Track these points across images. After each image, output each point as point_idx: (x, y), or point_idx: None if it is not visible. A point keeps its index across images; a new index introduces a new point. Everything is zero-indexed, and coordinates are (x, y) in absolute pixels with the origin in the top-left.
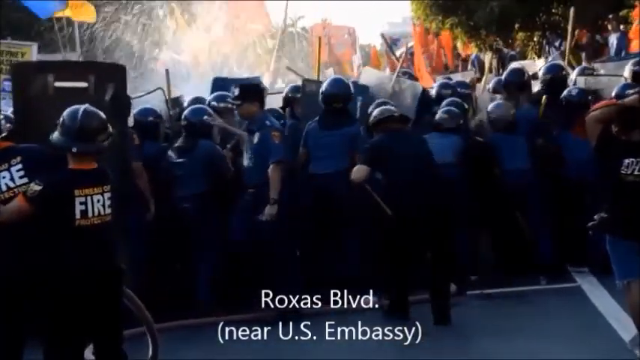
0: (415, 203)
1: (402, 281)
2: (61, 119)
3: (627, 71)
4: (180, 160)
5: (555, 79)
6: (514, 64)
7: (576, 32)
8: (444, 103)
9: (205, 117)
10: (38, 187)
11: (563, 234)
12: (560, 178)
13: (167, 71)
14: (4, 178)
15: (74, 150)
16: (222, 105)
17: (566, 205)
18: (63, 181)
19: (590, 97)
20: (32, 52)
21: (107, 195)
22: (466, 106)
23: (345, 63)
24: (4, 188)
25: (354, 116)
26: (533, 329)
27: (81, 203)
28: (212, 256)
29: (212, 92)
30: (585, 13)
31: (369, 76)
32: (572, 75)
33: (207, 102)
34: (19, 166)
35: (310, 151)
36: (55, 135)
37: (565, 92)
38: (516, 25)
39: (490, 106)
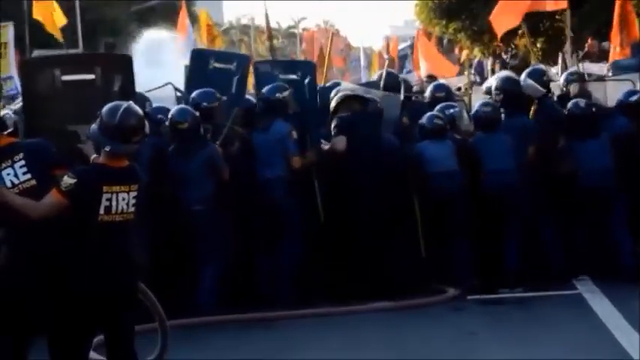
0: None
1: None
2: (100, 114)
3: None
4: (180, 161)
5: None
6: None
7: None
8: (437, 108)
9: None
10: (73, 180)
11: (570, 241)
12: (571, 185)
13: (186, 67)
14: (8, 175)
15: (107, 149)
16: (209, 105)
17: (578, 212)
18: (94, 176)
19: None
20: (8, 33)
21: (133, 194)
22: (455, 109)
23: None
24: (8, 185)
25: None
26: (533, 336)
27: (107, 199)
28: (220, 256)
29: (191, 65)
30: (591, 20)
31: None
32: (561, 79)
33: (191, 100)
34: (22, 162)
35: None
36: (93, 128)
37: (571, 104)
38: (519, 31)
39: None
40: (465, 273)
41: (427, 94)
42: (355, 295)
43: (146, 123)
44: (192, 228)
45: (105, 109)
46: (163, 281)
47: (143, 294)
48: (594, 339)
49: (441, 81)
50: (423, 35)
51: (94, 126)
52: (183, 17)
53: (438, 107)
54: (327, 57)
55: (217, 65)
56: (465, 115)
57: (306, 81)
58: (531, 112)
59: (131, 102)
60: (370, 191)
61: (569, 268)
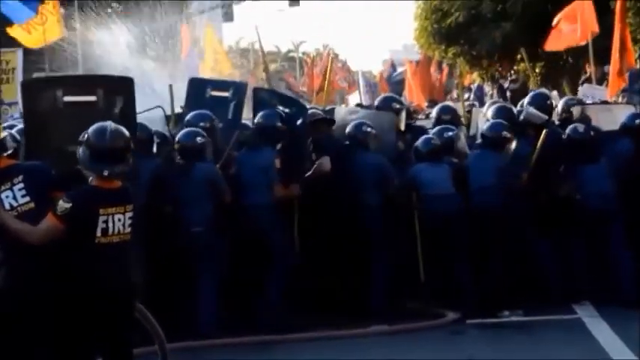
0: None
1: None
2: (86, 137)
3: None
4: (180, 182)
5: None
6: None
7: (589, 67)
8: (433, 131)
9: (198, 139)
10: (68, 205)
11: (570, 264)
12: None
13: (170, 86)
14: (7, 197)
15: (105, 174)
16: (208, 124)
17: (578, 235)
18: (89, 199)
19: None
20: (18, 59)
21: (129, 214)
22: (453, 132)
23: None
24: (7, 207)
25: None
26: None
27: (103, 221)
28: (219, 278)
29: (188, 93)
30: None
31: (338, 112)
32: (560, 105)
33: (186, 123)
34: (21, 185)
35: None
36: (82, 154)
37: (570, 129)
38: (518, 56)
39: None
40: (464, 296)
41: (433, 115)
42: (353, 319)
43: (131, 142)
44: (191, 249)
45: (91, 132)
46: (163, 303)
47: (142, 316)
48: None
49: (448, 103)
50: (410, 63)
51: (81, 152)
52: (186, 39)
53: (435, 130)
54: (327, 80)
55: (214, 93)
56: (463, 138)
57: (298, 122)
58: (540, 139)
59: (111, 123)
60: (345, 208)
61: (569, 292)
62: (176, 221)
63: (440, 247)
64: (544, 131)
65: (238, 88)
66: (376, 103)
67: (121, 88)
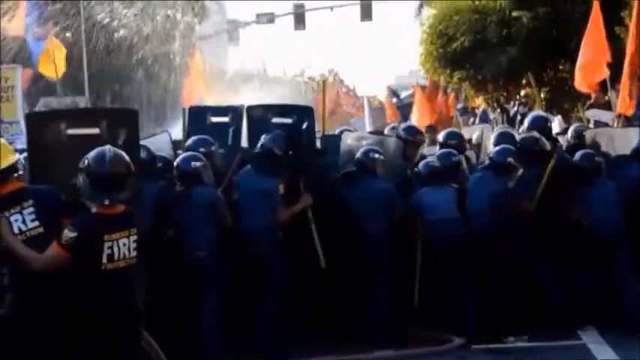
0: None
1: None
2: (86, 164)
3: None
4: (181, 207)
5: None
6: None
7: (592, 94)
8: (435, 155)
9: (195, 163)
10: (73, 234)
11: (575, 290)
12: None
13: (184, 110)
14: (16, 221)
15: (106, 203)
16: (205, 150)
17: (583, 260)
18: (94, 227)
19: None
20: (16, 76)
21: (133, 238)
22: (456, 157)
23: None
24: (16, 231)
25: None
26: None
27: (108, 247)
28: (220, 303)
29: (188, 122)
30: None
31: (344, 138)
32: (569, 131)
33: (186, 148)
34: (31, 209)
35: None
36: (82, 182)
37: (579, 154)
38: (524, 81)
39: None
40: (467, 320)
41: (440, 140)
42: (359, 345)
43: (132, 167)
44: (194, 274)
45: (90, 157)
46: (166, 325)
47: (146, 342)
48: None
49: (454, 129)
50: (418, 87)
51: (81, 180)
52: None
53: (437, 154)
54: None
55: (214, 120)
56: (464, 163)
57: (304, 126)
58: (550, 164)
59: (110, 147)
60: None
61: (573, 317)
62: (178, 245)
63: (443, 271)
64: (553, 157)
65: (236, 112)
66: (401, 132)
67: (124, 120)
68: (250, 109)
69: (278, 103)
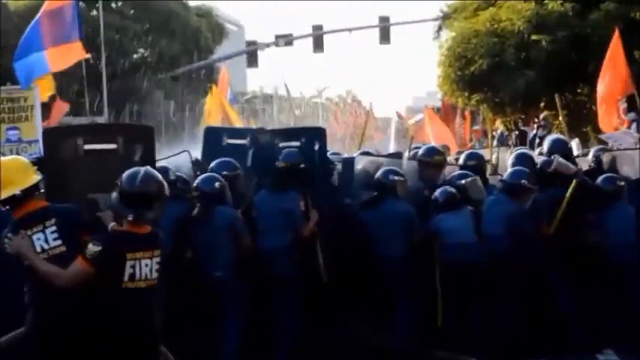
0: None
1: None
2: (120, 180)
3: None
4: (201, 227)
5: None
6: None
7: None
8: (449, 177)
9: (216, 184)
10: (97, 248)
11: (594, 313)
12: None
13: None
14: (38, 239)
15: (130, 218)
16: (230, 174)
17: (602, 284)
18: (118, 243)
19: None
20: (34, 97)
21: (156, 260)
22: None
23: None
24: (38, 249)
25: None
26: None
27: (131, 266)
28: (240, 322)
29: (205, 142)
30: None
31: (360, 160)
32: (590, 155)
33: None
34: (54, 228)
35: None
36: (114, 196)
37: (600, 179)
38: (542, 104)
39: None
40: (484, 343)
41: (460, 162)
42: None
43: (166, 188)
44: (213, 294)
45: (124, 175)
46: (184, 346)
47: (163, 356)
48: None
49: (475, 150)
50: (429, 110)
51: (114, 194)
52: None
53: (451, 175)
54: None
55: (231, 141)
56: (479, 183)
57: (316, 147)
58: (571, 188)
59: (149, 167)
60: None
61: (592, 340)
62: (197, 266)
63: (462, 295)
64: (575, 181)
65: (255, 135)
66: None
67: (141, 136)
68: (257, 133)
69: (296, 123)
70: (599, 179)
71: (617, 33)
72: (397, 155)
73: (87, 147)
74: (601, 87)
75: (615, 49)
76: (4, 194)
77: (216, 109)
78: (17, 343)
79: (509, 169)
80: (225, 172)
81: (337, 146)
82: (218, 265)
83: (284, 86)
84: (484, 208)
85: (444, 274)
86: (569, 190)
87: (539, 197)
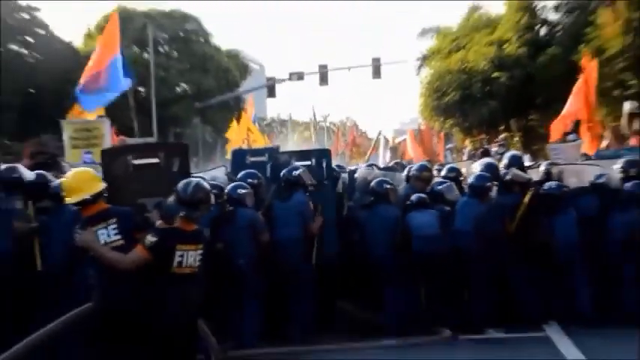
0: None
1: None
2: (177, 188)
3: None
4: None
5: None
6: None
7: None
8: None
9: (239, 190)
10: (154, 239)
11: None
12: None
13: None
14: (102, 234)
15: (182, 214)
16: (255, 181)
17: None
18: (170, 237)
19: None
20: (105, 127)
21: (199, 252)
22: (445, 184)
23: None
24: (102, 242)
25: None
26: None
27: (179, 256)
28: (259, 299)
29: (232, 160)
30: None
31: (361, 171)
32: (542, 167)
33: (238, 177)
34: (115, 226)
35: None
36: (170, 200)
37: (547, 186)
38: (501, 128)
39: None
40: (456, 317)
41: (442, 173)
42: (371, 333)
43: (212, 196)
44: (237, 277)
45: (180, 184)
46: (216, 319)
47: (202, 331)
48: None
49: (454, 164)
50: (411, 132)
51: (170, 199)
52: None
53: (432, 183)
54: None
55: (253, 159)
56: (455, 188)
57: (324, 164)
58: (528, 196)
59: (200, 180)
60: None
61: (540, 315)
62: (226, 255)
63: (433, 279)
64: (532, 190)
65: (272, 152)
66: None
67: (178, 151)
68: (276, 154)
69: (306, 142)
70: (546, 186)
71: (588, 68)
72: (390, 169)
73: (135, 162)
74: (568, 106)
75: (585, 79)
76: (77, 198)
77: (242, 130)
78: (85, 315)
79: (474, 175)
80: (250, 181)
81: (339, 160)
82: (241, 255)
83: (290, 116)
84: (457, 208)
85: (415, 261)
86: (527, 197)
87: (502, 201)
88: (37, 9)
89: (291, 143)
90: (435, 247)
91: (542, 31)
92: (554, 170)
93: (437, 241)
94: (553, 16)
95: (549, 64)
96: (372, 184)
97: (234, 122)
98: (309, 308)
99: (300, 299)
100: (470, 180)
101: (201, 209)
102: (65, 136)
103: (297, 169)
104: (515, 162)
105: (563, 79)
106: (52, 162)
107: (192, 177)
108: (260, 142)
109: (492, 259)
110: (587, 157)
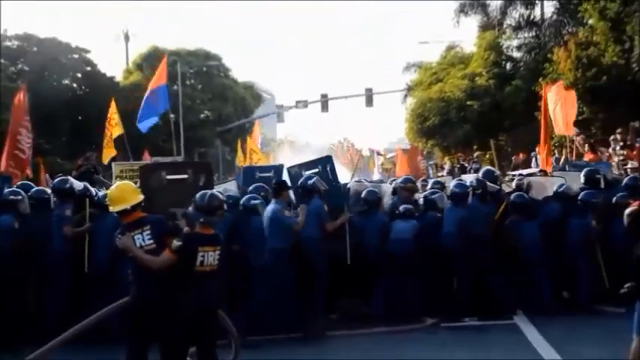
0: None
1: None
2: (195, 199)
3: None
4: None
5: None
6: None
7: (522, 155)
8: (423, 195)
9: (252, 201)
10: (180, 243)
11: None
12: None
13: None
14: (138, 238)
15: (201, 220)
16: (264, 193)
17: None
18: (193, 241)
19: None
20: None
21: (217, 252)
22: (436, 195)
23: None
24: (137, 246)
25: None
26: (485, 347)
27: (201, 256)
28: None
29: (243, 176)
30: (522, 140)
31: (353, 184)
32: (514, 182)
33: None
34: (149, 232)
35: None
36: (190, 209)
37: (514, 196)
38: (475, 147)
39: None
40: (439, 308)
41: (428, 187)
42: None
43: (224, 204)
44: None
45: (198, 195)
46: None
47: (222, 318)
48: (523, 352)
49: (439, 179)
50: (399, 150)
51: (190, 208)
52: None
53: (425, 193)
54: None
55: (261, 175)
56: (445, 199)
57: (329, 169)
58: (502, 205)
59: (213, 190)
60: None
61: (509, 305)
62: (240, 256)
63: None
64: (505, 200)
65: (277, 169)
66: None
67: (204, 168)
68: (289, 168)
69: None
70: (513, 196)
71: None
72: (379, 181)
73: (168, 177)
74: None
75: (544, 106)
76: (120, 207)
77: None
78: (123, 306)
79: (454, 183)
80: (262, 193)
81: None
82: (253, 255)
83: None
84: (444, 214)
85: (389, 260)
86: (501, 207)
87: (480, 207)
88: (85, 50)
89: (297, 159)
90: (402, 249)
91: (508, 66)
92: (524, 182)
93: (405, 244)
94: (517, 54)
95: (514, 93)
96: (364, 194)
97: (239, 147)
98: (322, 300)
99: (315, 292)
100: (451, 188)
101: (217, 215)
102: (114, 175)
103: (311, 178)
104: (489, 176)
105: (525, 106)
106: (94, 170)
107: None
108: (263, 161)
109: (473, 256)
110: (543, 172)
